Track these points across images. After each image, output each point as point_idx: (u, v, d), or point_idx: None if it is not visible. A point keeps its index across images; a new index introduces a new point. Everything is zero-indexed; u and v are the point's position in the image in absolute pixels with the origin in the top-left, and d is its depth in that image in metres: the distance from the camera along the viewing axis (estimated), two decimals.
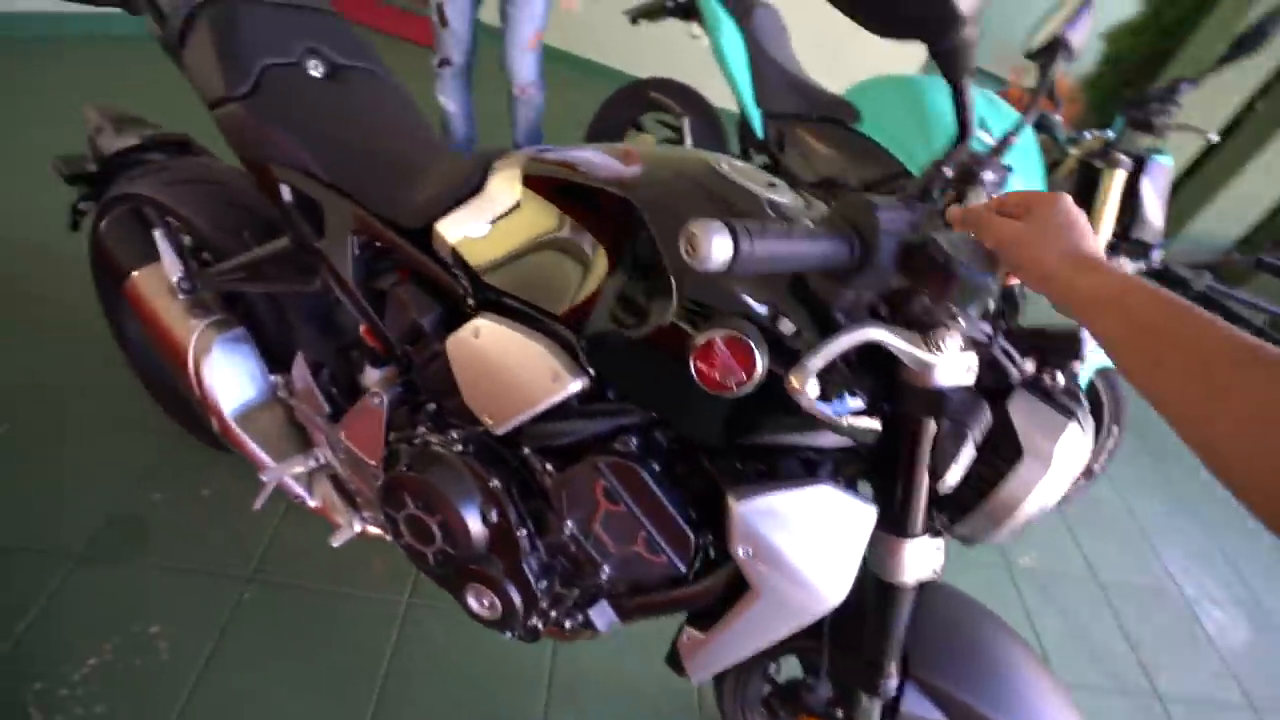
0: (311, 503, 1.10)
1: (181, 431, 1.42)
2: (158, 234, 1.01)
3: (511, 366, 0.77)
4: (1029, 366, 0.66)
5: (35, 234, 1.81)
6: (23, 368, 1.51)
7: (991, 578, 1.84)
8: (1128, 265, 1.59)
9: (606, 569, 0.82)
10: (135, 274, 1.05)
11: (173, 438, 1.44)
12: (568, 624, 0.88)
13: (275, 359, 1.08)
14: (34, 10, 2.53)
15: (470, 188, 0.84)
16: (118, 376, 1.47)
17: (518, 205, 0.79)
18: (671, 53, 2.28)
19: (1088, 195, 1.54)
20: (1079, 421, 0.64)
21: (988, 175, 0.89)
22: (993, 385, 0.66)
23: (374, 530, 1.11)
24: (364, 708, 1.17)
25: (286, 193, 0.92)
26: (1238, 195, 3.54)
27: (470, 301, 0.84)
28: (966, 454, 0.58)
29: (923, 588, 0.90)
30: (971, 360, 0.62)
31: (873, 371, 0.64)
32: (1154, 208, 1.50)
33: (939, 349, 0.53)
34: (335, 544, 1.05)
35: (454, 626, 1.32)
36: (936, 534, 0.72)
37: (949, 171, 0.92)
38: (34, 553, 1.22)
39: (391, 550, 1.35)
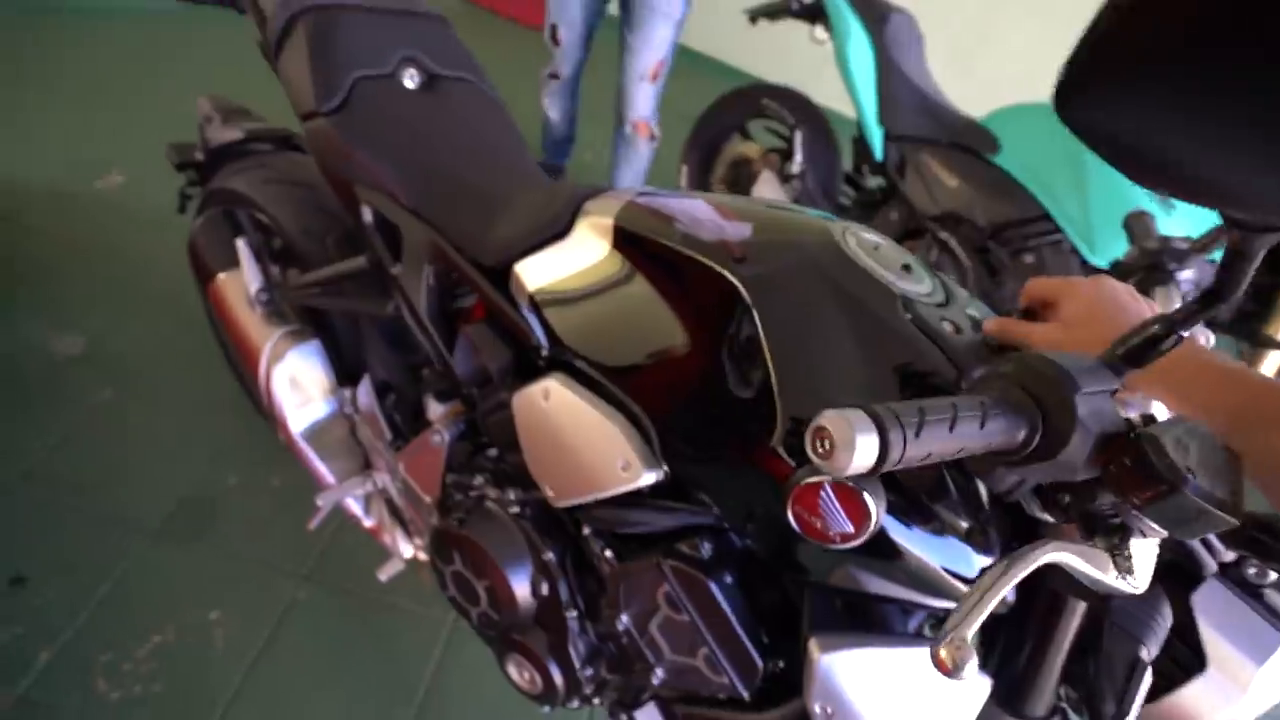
0: (367, 522, 1.08)
1: (258, 421, 1.45)
2: (240, 242, 1.00)
3: (580, 442, 0.69)
4: (1226, 553, 0.51)
5: (150, 208, 1.91)
6: (133, 336, 1.58)
7: None
8: None
9: (659, 672, 0.73)
10: (220, 277, 1.05)
11: (254, 424, 1.47)
12: (596, 700, 0.81)
13: (347, 373, 1.05)
14: None
15: (556, 229, 0.76)
16: (213, 357, 1.52)
17: (608, 262, 0.70)
18: (790, 53, 2.11)
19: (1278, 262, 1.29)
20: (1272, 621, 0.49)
21: (1186, 273, 0.73)
22: (1170, 563, 0.52)
23: (424, 556, 1.07)
24: (406, 712, 1.15)
25: (368, 214, 0.88)
26: None
27: (544, 355, 0.76)
28: (1141, 680, 0.44)
29: None
30: (1152, 549, 0.48)
31: (1007, 513, 0.52)
32: None
33: (1132, 570, 0.39)
34: (383, 578, 1.03)
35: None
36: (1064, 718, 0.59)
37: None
38: (116, 522, 1.27)
39: None
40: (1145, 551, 0.41)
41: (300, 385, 1.01)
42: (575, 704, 0.82)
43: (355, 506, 1.07)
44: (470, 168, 0.87)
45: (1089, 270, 1.45)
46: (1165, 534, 0.39)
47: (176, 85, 2.37)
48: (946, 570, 0.52)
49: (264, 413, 1.35)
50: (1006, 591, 0.37)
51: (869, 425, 0.32)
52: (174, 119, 1.69)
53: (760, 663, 0.65)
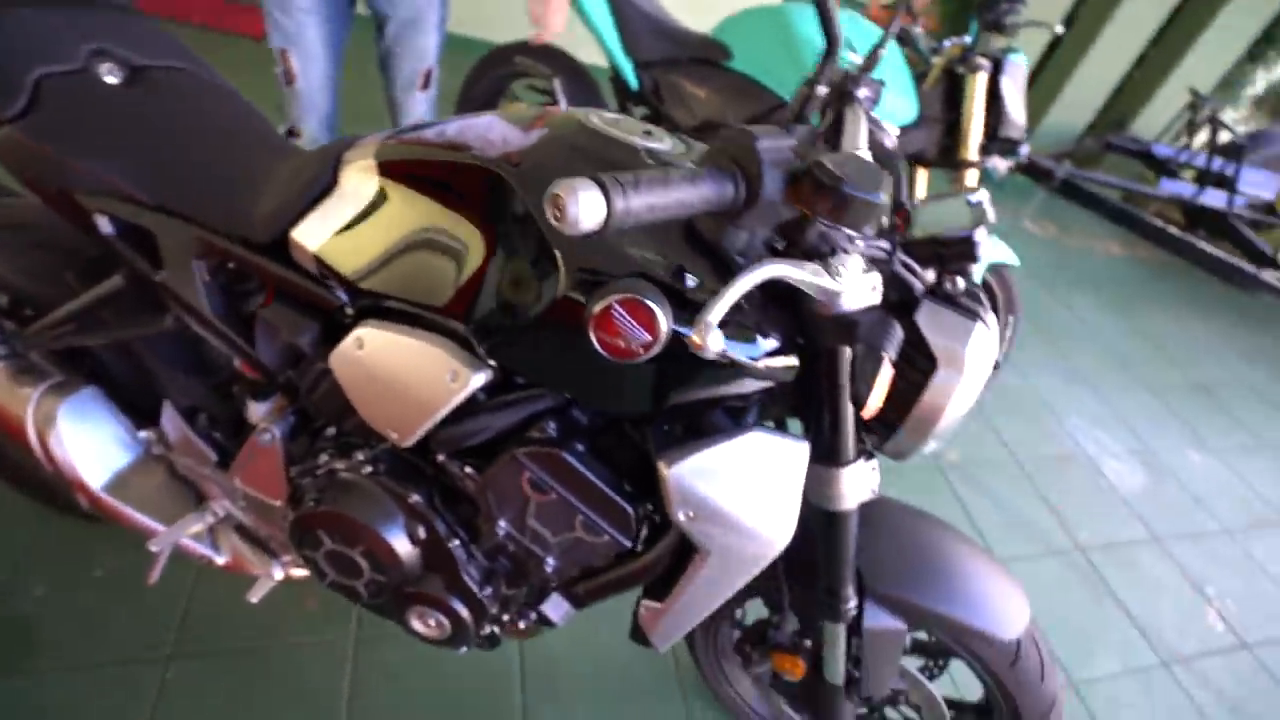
0: (220, 560, 0.99)
1: (48, 512, 1.26)
2: None
3: (406, 373, 0.70)
4: (929, 276, 0.66)
5: None
6: None
7: (925, 479, 1.94)
8: (1000, 164, 1.68)
9: (550, 560, 0.78)
10: None
11: (41, 521, 1.27)
12: (522, 624, 0.85)
13: (140, 412, 0.95)
14: None
15: (322, 186, 0.75)
16: None
17: (380, 197, 0.71)
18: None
19: (955, 101, 1.59)
20: (984, 320, 0.65)
21: (862, 92, 0.89)
22: (898, 300, 0.66)
23: (298, 573, 1.02)
24: None
25: (104, 224, 0.79)
26: (1083, 83, 3.79)
27: (348, 311, 0.76)
28: (885, 374, 0.57)
29: (865, 506, 0.92)
30: (875, 280, 0.61)
31: (781, 308, 0.63)
32: (1016, 105, 1.57)
33: (840, 274, 0.51)
34: (254, 599, 0.96)
35: (411, 648, 1.25)
36: (870, 456, 0.72)
37: (822, 91, 0.91)
38: None
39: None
40: (852, 265, 0.53)
41: (87, 438, 0.89)
42: (487, 629, 0.85)
43: (202, 548, 0.98)
44: (213, 151, 0.82)
45: None
46: (855, 235, 0.51)
47: None
48: (750, 359, 0.62)
49: (45, 501, 1.18)
50: (743, 288, 0.46)
51: (591, 184, 0.38)
52: None
53: (630, 509, 0.72)
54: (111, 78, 0.84)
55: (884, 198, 0.47)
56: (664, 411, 0.69)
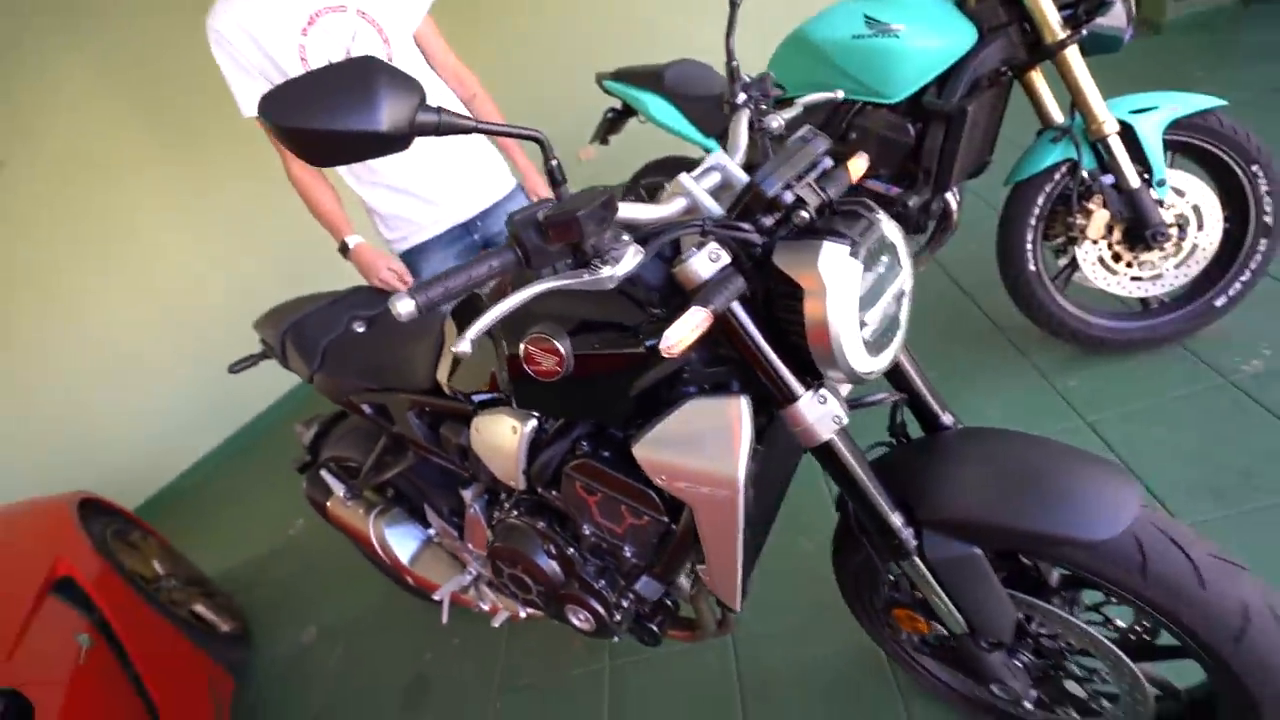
0: (485, 606, 1.43)
1: (427, 610, 1.91)
2: (322, 473, 1.53)
3: (494, 439, 1.05)
4: (767, 222, 0.75)
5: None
6: (344, 604, 2.15)
7: (1208, 405, 1.51)
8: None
9: (627, 548, 1.00)
10: (327, 504, 1.57)
11: (426, 614, 1.93)
12: (624, 603, 1.05)
13: (422, 517, 1.50)
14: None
15: (439, 342, 1.19)
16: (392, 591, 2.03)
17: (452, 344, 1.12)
18: (649, 141, 2.61)
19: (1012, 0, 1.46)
20: (834, 238, 0.72)
21: (740, 97, 1.01)
22: (762, 252, 0.77)
23: (534, 612, 1.39)
24: None
25: (366, 408, 1.37)
26: None
27: (471, 410, 1.15)
28: (691, 318, 0.67)
29: (917, 442, 0.92)
30: (713, 250, 0.75)
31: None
32: None
33: (613, 263, 0.69)
34: (495, 624, 1.36)
35: (650, 671, 1.51)
36: (818, 388, 0.79)
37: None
38: (376, 709, 1.72)
39: None
40: (629, 255, 0.70)
41: (398, 539, 1.46)
42: (618, 618, 1.07)
43: (475, 600, 1.44)
44: (404, 344, 1.35)
45: (898, 112, 1.66)
46: (620, 234, 0.69)
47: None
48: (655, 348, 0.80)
49: (389, 574, 1.79)
50: (502, 311, 0.67)
51: (405, 295, 0.67)
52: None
53: (651, 491, 0.91)
54: (359, 327, 1.45)
55: (604, 211, 0.65)
56: (639, 410, 0.89)
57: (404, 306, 0.65)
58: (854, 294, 0.71)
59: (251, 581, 2.47)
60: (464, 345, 0.66)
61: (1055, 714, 0.96)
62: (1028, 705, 0.96)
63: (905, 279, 0.80)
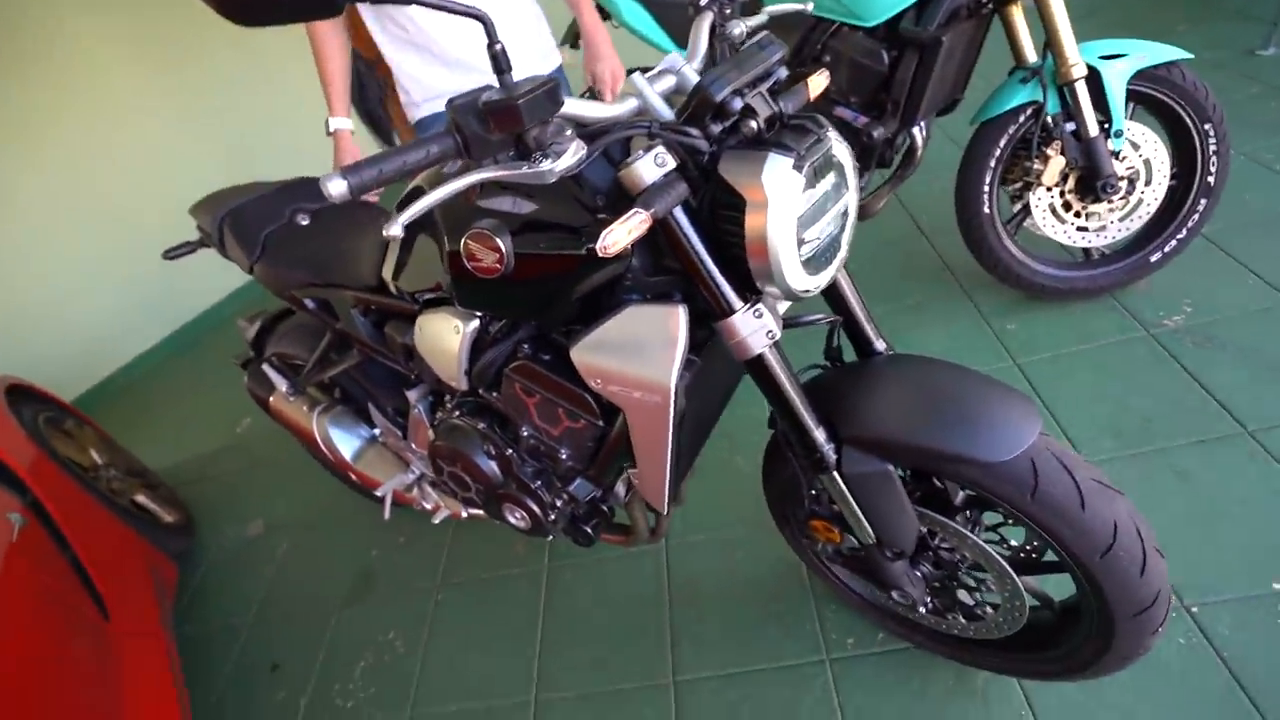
0: (428, 505, 1.47)
1: (372, 503, 1.94)
2: (265, 367, 1.51)
3: (437, 339, 1.04)
4: (715, 129, 0.74)
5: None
6: (289, 508, 2.17)
7: (1128, 354, 1.60)
8: None
9: (563, 450, 1.03)
10: (270, 399, 1.55)
11: (375, 513, 1.97)
12: (559, 503, 1.10)
13: (367, 416, 1.50)
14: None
15: (386, 240, 1.16)
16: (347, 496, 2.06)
17: (398, 239, 1.08)
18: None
19: None
20: (779, 150, 0.71)
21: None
22: (708, 160, 0.75)
23: (475, 512, 1.44)
24: (533, 647, 1.48)
25: (309, 303, 1.33)
26: None
27: (418, 309, 1.14)
28: (633, 221, 0.67)
29: (849, 366, 0.96)
30: (659, 155, 0.73)
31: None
32: None
33: (555, 157, 0.67)
34: (436, 521, 1.41)
35: (585, 574, 1.59)
36: (756, 303, 0.80)
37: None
38: (318, 600, 1.78)
39: None
40: (572, 149, 0.68)
41: (342, 436, 1.46)
42: (553, 518, 1.12)
43: (419, 500, 1.47)
44: (352, 241, 1.30)
45: (874, 37, 1.61)
46: (564, 127, 0.67)
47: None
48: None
49: (333, 471, 1.81)
50: (440, 197, 0.66)
51: (337, 175, 0.64)
52: None
53: (588, 394, 0.93)
54: (302, 220, 1.39)
55: (547, 100, 0.63)
56: (580, 314, 0.89)
57: (335, 187, 0.63)
58: (795, 210, 0.72)
59: (197, 477, 2.47)
60: (395, 228, 0.64)
61: (945, 618, 1.06)
62: (922, 610, 1.05)
63: (850, 199, 0.81)
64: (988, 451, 0.78)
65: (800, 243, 0.74)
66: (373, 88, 4.03)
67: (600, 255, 0.67)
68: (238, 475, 2.40)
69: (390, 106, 4.00)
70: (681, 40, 2.01)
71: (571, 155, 0.68)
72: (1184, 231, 1.62)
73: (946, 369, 0.87)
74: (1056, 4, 1.44)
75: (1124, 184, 1.57)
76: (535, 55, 1.53)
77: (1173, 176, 1.59)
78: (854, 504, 0.91)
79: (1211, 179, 1.56)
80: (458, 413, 1.16)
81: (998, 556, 0.92)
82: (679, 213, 0.76)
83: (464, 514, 1.45)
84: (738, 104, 0.71)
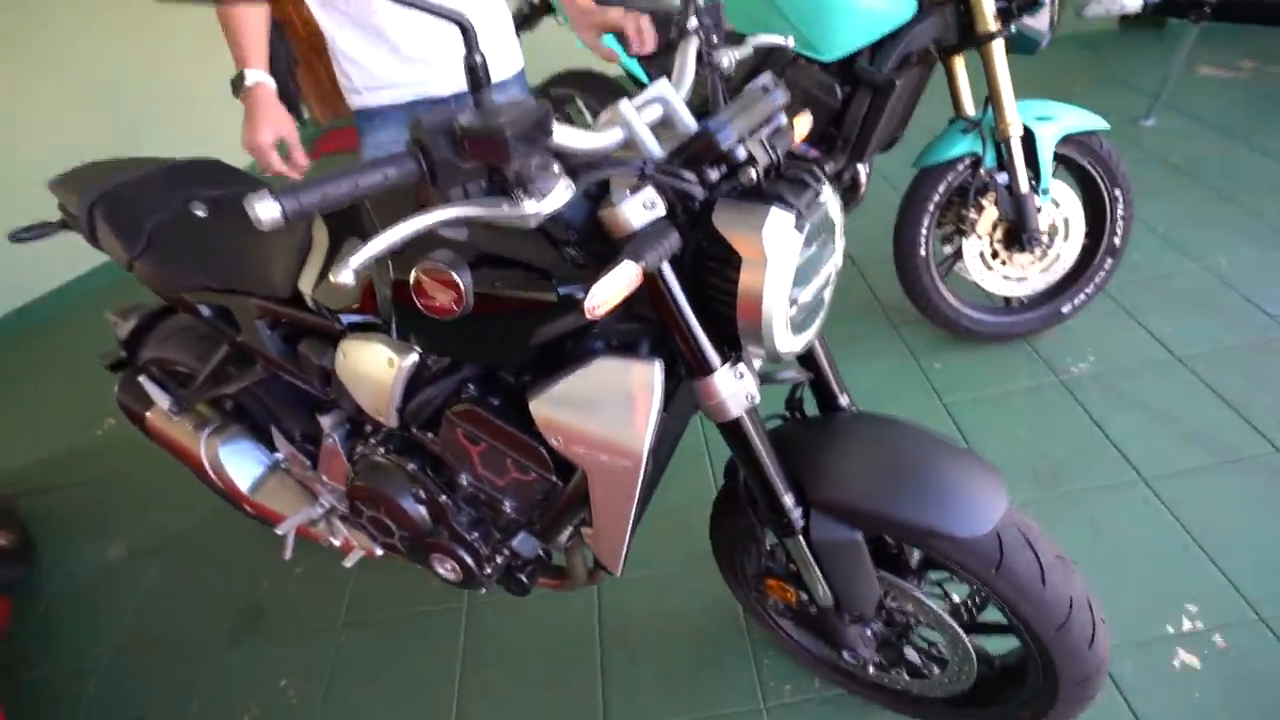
0: (336, 541, 1.31)
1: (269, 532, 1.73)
2: (142, 379, 1.29)
3: (365, 369, 0.91)
4: (713, 174, 0.68)
5: None
6: (156, 527, 1.90)
7: (1040, 399, 1.70)
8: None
9: (507, 503, 0.93)
10: (146, 414, 1.33)
11: (265, 537, 1.75)
12: (497, 558, 1.00)
13: (269, 440, 1.31)
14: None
15: (306, 245, 1.00)
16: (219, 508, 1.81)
17: (326, 248, 0.94)
18: (560, 49, 2.38)
19: None
20: (780, 205, 0.66)
21: (692, 22, 0.91)
22: (701, 207, 0.69)
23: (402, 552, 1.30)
24: (450, 698, 1.36)
25: (204, 309, 1.14)
26: None
27: (341, 330, 0.99)
28: (621, 274, 0.59)
29: (814, 421, 0.92)
30: (648, 197, 0.66)
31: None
32: None
33: (539, 196, 0.58)
34: (348, 564, 1.26)
35: (509, 614, 1.48)
36: (735, 363, 0.75)
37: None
38: (194, 640, 1.55)
39: None
40: (558, 189, 0.59)
41: (237, 462, 1.27)
42: (488, 571, 1.02)
43: (325, 535, 1.31)
44: (260, 242, 1.13)
45: (829, 72, 1.62)
46: (551, 164, 0.58)
47: None
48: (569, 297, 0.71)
49: (235, 505, 1.60)
50: (395, 238, 0.55)
51: (266, 195, 0.52)
52: None
53: (542, 448, 0.84)
54: (199, 211, 1.19)
55: (537, 132, 0.54)
56: (540, 363, 0.80)
57: (265, 211, 0.51)
58: (791, 269, 0.67)
59: (41, 486, 2.11)
60: (345, 275, 0.53)
61: (889, 674, 1.06)
62: (870, 670, 1.04)
63: (837, 260, 0.77)
64: (958, 526, 0.76)
65: (791, 303, 0.69)
66: (281, 53, 3.64)
67: (588, 315, 0.58)
68: (96, 486, 2.08)
69: (301, 76, 3.64)
70: (649, 68, 1.93)
71: (558, 196, 0.59)
72: (1091, 286, 1.74)
73: (915, 434, 0.86)
74: (1000, 61, 1.49)
75: (1045, 238, 1.67)
76: (499, 53, 1.36)
77: (1085, 234, 1.71)
78: (816, 569, 0.88)
79: (1118, 239, 1.68)
80: (383, 449, 1.03)
81: (951, 621, 0.92)
82: (665, 265, 0.69)
83: (379, 552, 1.30)
84: (742, 153, 0.65)
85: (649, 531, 1.54)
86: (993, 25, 1.44)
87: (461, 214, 0.58)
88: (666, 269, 0.69)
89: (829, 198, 0.72)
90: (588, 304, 0.58)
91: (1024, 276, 1.74)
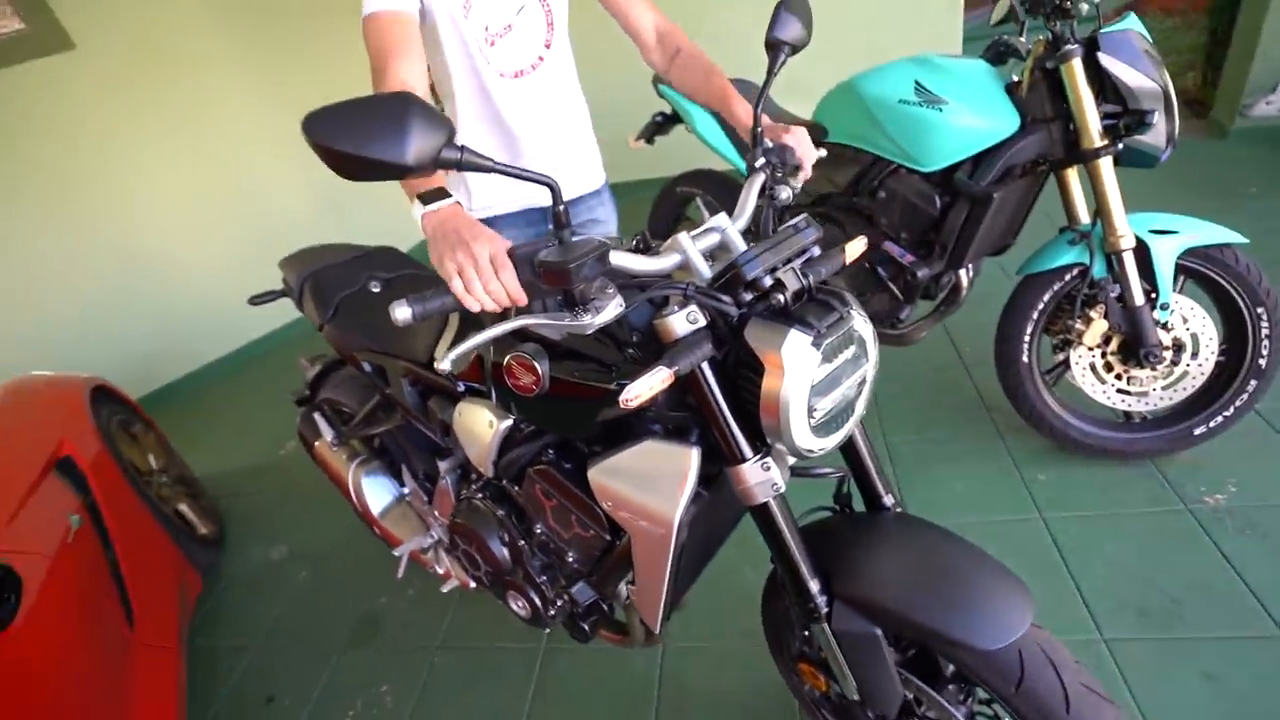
0: (440, 570, 1.53)
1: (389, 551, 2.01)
2: (315, 416, 1.63)
3: (472, 426, 1.13)
4: (746, 296, 0.81)
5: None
6: (317, 531, 2.27)
7: (1162, 527, 1.55)
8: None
9: (570, 554, 1.08)
10: (316, 444, 1.67)
11: (388, 560, 2.03)
12: (559, 602, 1.13)
13: (398, 473, 1.59)
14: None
15: (443, 324, 1.27)
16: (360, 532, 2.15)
17: (456, 331, 1.19)
18: (686, 147, 2.66)
19: (1062, 95, 1.48)
20: (800, 327, 0.78)
21: (759, 161, 1.06)
22: (737, 321, 0.83)
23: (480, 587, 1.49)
24: None
25: (366, 366, 1.45)
26: None
27: (459, 392, 1.23)
28: (655, 375, 0.73)
29: (854, 517, 0.99)
30: (692, 313, 0.81)
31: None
32: (1131, 74, 1.39)
33: (595, 312, 0.75)
34: (444, 590, 1.46)
35: (579, 661, 1.60)
36: (764, 455, 0.85)
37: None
38: (324, 637, 1.83)
39: None
40: (611, 306, 0.76)
41: (374, 490, 1.55)
42: (552, 613, 1.16)
43: (434, 563, 1.53)
44: (401, 328, 1.42)
45: (930, 182, 1.69)
46: (607, 285, 0.75)
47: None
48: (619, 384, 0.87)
49: (360, 518, 1.89)
50: (484, 339, 0.74)
51: (404, 303, 0.74)
52: None
53: (599, 509, 0.99)
54: (375, 287, 1.53)
55: (597, 264, 0.71)
56: (604, 433, 0.96)
57: (400, 314, 0.73)
58: (808, 381, 0.77)
59: (235, 490, 2.60)
60: (445, 364, 0.73)
61: None
62: None
63: (869, 369, 0.86)
64: (976, 638, 0.78)
65: (811, 410, 0.79)
66: None
67: (623, 406, 0.73)
68: (273, 496, 2.53)
69: None
70: (745, 152, 2.13)
71: (610, 312, 0.76)
72: (1231, 409, 1.59)
73: (948, 541, 0.89)
74: (1108, 175, 1.48)
75: (1168, 354, 1.57)
76: (584, 173, 1.53)
77: (1222, 352, 1.58)
78: (841, 658, 0.92)
79: (1263, 361, 1.54)
80: (480, 495, 1.23)
81: None
82: (705, 365, 0.82)
83: (472, 585, 1.50)
84: (768, 281, 0.78)
85: (719, 602, 1.61)
86: (1098, 142, 1.45)
87: (535, 322, 0.76)
88: (707, 370, 0.83)
89: (857, 318, 0.82)
90: (622, 398, 0.74)
91: (1145, 392, 1.63)
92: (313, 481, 2.51)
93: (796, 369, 0.76)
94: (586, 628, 1.23)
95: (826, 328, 0.78)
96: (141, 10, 3.04)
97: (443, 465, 1.39)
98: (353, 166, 0.66)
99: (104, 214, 3.17)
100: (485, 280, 0.74)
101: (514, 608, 1.21)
